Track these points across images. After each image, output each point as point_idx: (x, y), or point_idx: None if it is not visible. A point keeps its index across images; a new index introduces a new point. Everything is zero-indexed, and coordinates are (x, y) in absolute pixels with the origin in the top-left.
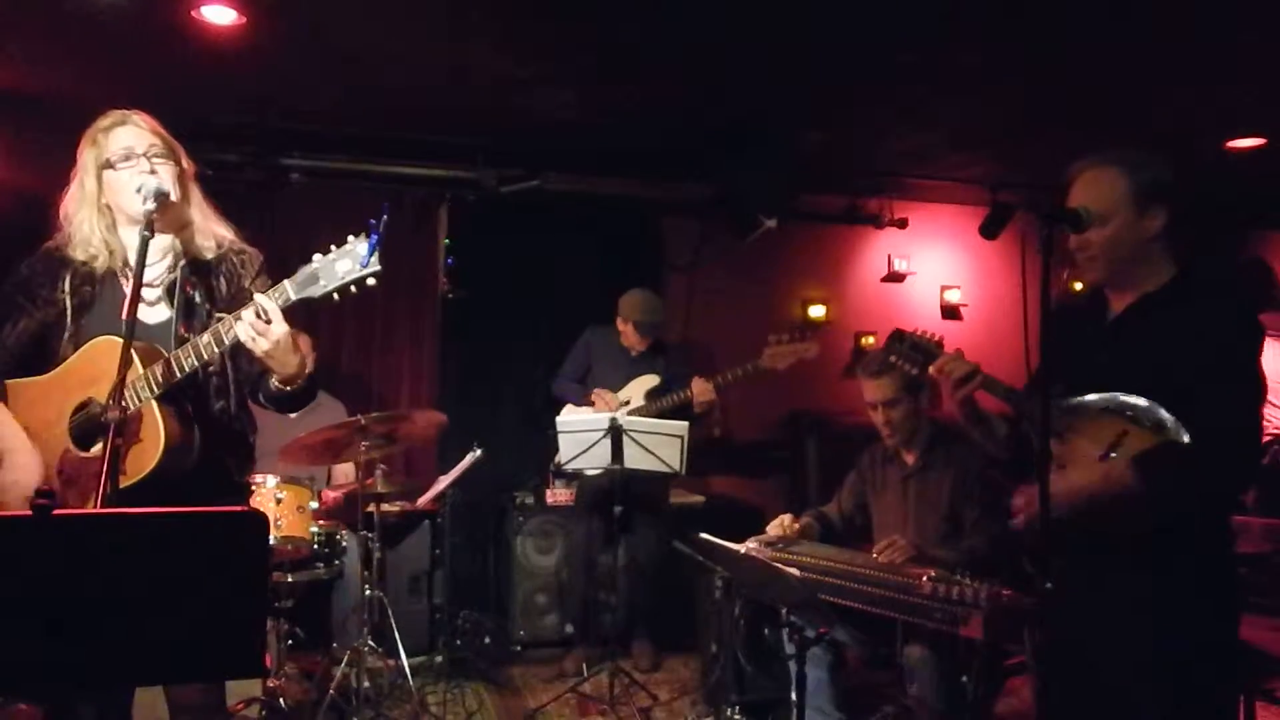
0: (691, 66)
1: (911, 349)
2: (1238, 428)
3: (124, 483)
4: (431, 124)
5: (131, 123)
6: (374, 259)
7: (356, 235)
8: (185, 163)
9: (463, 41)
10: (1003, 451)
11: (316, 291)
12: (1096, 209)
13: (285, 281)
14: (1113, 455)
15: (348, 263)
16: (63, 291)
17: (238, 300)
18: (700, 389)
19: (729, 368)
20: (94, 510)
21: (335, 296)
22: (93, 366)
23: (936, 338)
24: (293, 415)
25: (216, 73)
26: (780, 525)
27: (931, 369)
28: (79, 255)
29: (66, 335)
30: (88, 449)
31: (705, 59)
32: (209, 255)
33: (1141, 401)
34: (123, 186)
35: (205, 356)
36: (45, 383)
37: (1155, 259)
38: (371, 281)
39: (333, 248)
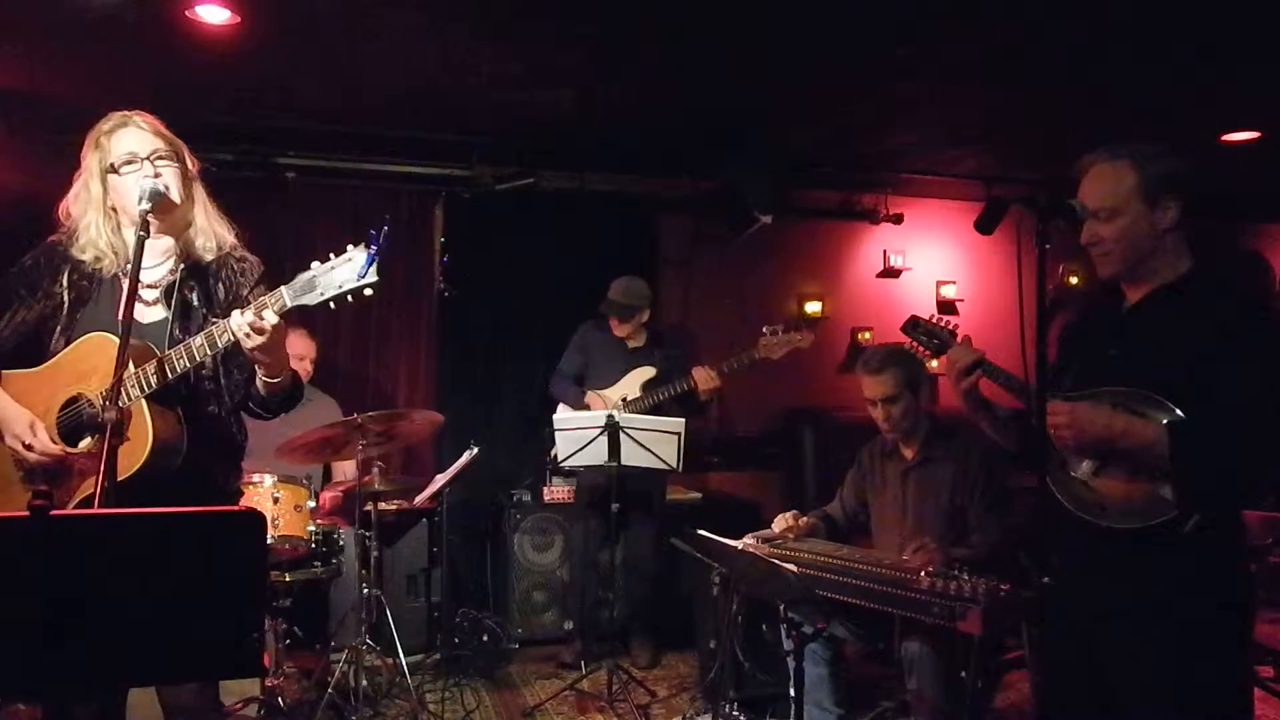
0: (687, 63)
1: (926, 335)
2: (1272, 418)
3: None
4: (427, 121)
5: (134, 125)
6: (372, 270)
7: (355, 244)
8: (190, 163)
9: (458, 39)
10: (1011, 444)
11: (313, 300)
12: (1106, 203)
13: (282, 288)
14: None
15: (345, 272)
16: (61, 285)
17: (234, 307)
18: (703, 377)
19: (726, 357)
20: (91, 510)
21: (331, 305)
22: (84, 362)
23: (951, 326)
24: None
25: (211, 71)
26: (784, 521)
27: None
28: (84, 256)
29: (60, 329)
30: (74, 445)
31: (701, 55)
32: (209, 256)
33: (1150, 397)
34: (127, 190)
35: (198, 359)
36: (35, 375)
37: (1170, 251)
38: (369, 292)
39: (331, 255)
